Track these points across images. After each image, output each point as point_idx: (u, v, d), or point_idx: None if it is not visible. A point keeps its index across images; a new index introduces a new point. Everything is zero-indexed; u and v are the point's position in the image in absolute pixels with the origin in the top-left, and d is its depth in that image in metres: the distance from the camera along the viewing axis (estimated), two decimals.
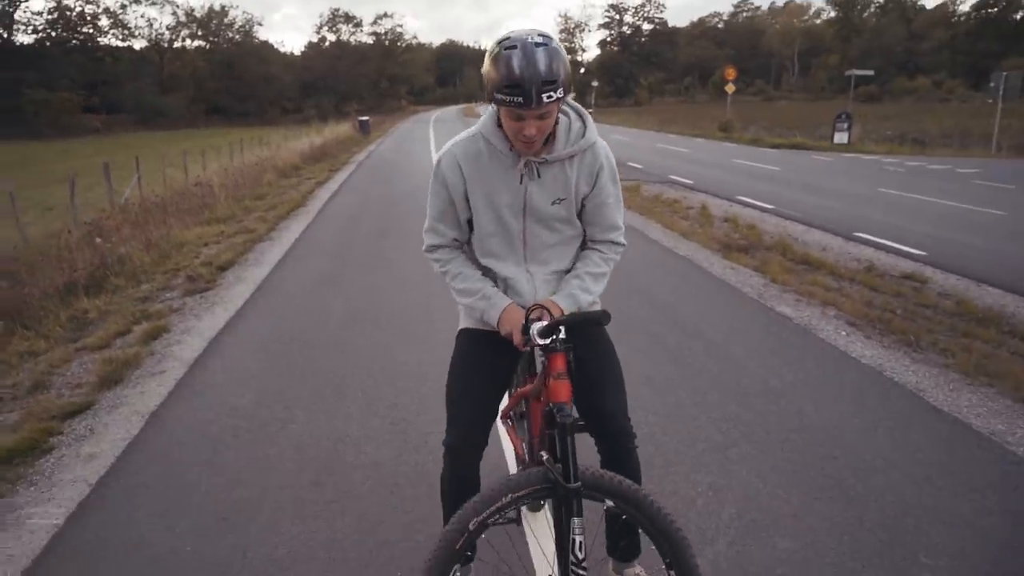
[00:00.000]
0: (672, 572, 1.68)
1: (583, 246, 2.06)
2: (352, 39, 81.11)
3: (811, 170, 17.20)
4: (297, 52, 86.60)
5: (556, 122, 1.81)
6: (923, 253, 7.42)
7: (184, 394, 3.89)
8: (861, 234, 8.50)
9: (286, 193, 12.88)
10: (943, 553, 2.41)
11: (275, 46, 78.90)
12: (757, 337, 4.68)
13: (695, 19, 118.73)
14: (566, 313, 1.89)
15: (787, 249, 7.47)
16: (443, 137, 29.66)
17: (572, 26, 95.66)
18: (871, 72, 35.91)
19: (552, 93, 1.62)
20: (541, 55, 1.60)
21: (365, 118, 34.11)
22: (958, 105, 51.54)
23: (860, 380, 3.95)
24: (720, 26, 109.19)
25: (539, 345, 1.71)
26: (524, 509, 2.60)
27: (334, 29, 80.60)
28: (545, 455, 1.72)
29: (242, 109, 62.67)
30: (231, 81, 63.90)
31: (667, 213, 10.02)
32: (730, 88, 33.36)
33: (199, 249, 8.04)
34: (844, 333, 4.74)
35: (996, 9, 69.36)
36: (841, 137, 24.26)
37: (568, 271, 2.01)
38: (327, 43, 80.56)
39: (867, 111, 40.86)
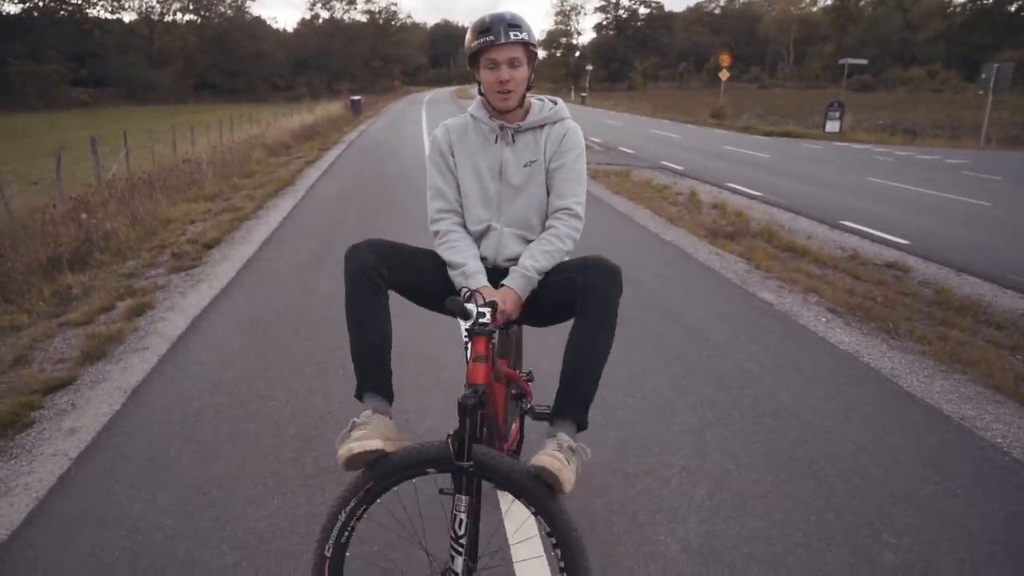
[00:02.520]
0: (557, 551, 1.67)
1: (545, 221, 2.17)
2: (346, 17, 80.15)
3: (801, 158, 17.25)
4: (290, 29, 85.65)
5: (525, 97, 2.09)
6: (907, 242, 7.50)
7: (167, 370, 3.90)
8: (847, 222, 8.57)
9: (275, 171, 12.80)
10: (905, 533, 2.47)
11: (267, 22, 78.05)
12: (738, 323, 4.73)
13: (692, 4, 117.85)
14: (518, 291, 1.97)
15: (773, 236, 7.53)
16: (435, 118, 29.49)
17: (568, 8, 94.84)
18: (864, 61, 36.03)
19: (517, 33, 1.96)
20: (506, 11, 1.99)
21: (357, 97, 33.87)
22: (951, 96, 51.71)
23: (836, 366, 4.02)
24: (717, 12, 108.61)
25: (464, 327, 1.76)
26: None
27: (328, 6, 79.56)
28: (450, 432, 1.73)
29: (232, 85, 62.00)
30: (222, 57, 63.10)
31: (656, 199, 10.05)
32: (724, 75, 33.33)
33: (186, 226, 8.01)
34: (824, 320, 4.81)
35: (991, 1, 69.29)
36: (833, 126, 24.34)
37: (529, 241, 2.13)
38: (320, 20, 79.60)
39: (860, 100, 40.93)
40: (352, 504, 1.72)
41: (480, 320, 1.73)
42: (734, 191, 11.17)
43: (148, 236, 7.39)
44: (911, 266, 6.51)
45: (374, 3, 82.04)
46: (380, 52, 78.24)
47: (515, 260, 2.10)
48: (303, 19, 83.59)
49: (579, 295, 1.88)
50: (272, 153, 15.53)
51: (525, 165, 2.12)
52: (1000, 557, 2.36)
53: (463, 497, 1.69)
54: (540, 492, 1.67)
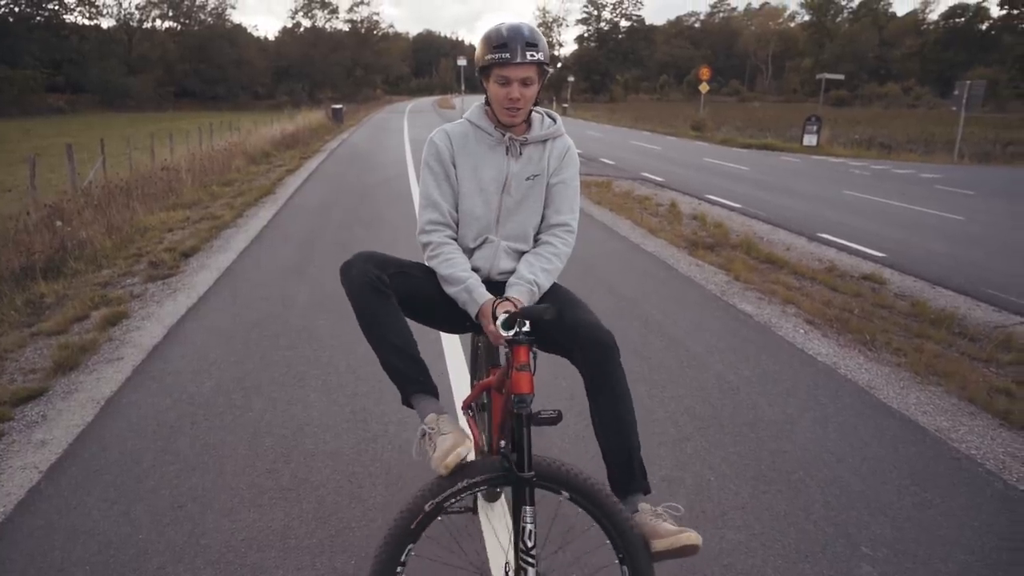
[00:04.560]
0: (625, 568, 1.70)
1: (538, 236, 2.18)
2: (327, 26, 79.98)
3: (779, 171, 17.47)
4: (271, 37, 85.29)
5: (531, 112, 2.08)
6: (883, 255, 7.60)
7: (141, 381, 3.84)
8: (825, 235, 8.68)
9: (255, 180, 12.71)
10: (883, 544, 2.49)
11: (248, 30, 77.59)
12: (717, 333, 4.76)
13: (672, 17, 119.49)
14: (525, 304, 1.96)
15: (752, 248, 7.59)
16: (418, 127, 29.52)
17: (550, 20, 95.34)
18: (841, 76, 36.64)
19: (534, 53, 1.91)
20: (524, 25, 1.94)
21: (339, 106, 33.75)
22: (925, 112, 52.78)
23: (814, 377, 4.05)
24: (697, 26, 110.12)
25: (503, 337, 1.74)
26: (481, 499, 2.64)
27: (309, 15, 79.35)
28: (504, 444, 1.75)
29: (212, 93, 61.56)
30: (202, 64, 62.64)
31: (637, 209, 10.11)
32: (704, 88, 33.70)
33: (163, 235, 7.92)
34: (802, 331, 4.85)
35: (963, 20, 70.95)
36: (810, 139, 24.66)
37: (523, 253, 2.15)
38: (302, 29, 79.34)
39: (837, 115, 41.60)
40: (437, 500, 1.70)
41: (523, 329, 1.72)
42: (714, 203, 11.27)
43: (124, 244, 7.29)
44: (887, 278, 6.60)
45: (356, 12, 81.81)
46: (362, 61, 78.19)
47: (508, 273, 2.10)
48: (284, 27, 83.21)
49: (583, 374, 1.90)
50: (252, 161, 15.42)
51: (528, 179, 2.10)
52: (976, 568, 2.39)
53: (528, 508, 1.67)
54: (605, 499, 1.70)
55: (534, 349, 1.78)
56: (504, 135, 2.08)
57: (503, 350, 2.00)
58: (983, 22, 70.88)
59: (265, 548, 2.43)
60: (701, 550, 2.40)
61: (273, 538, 2.48)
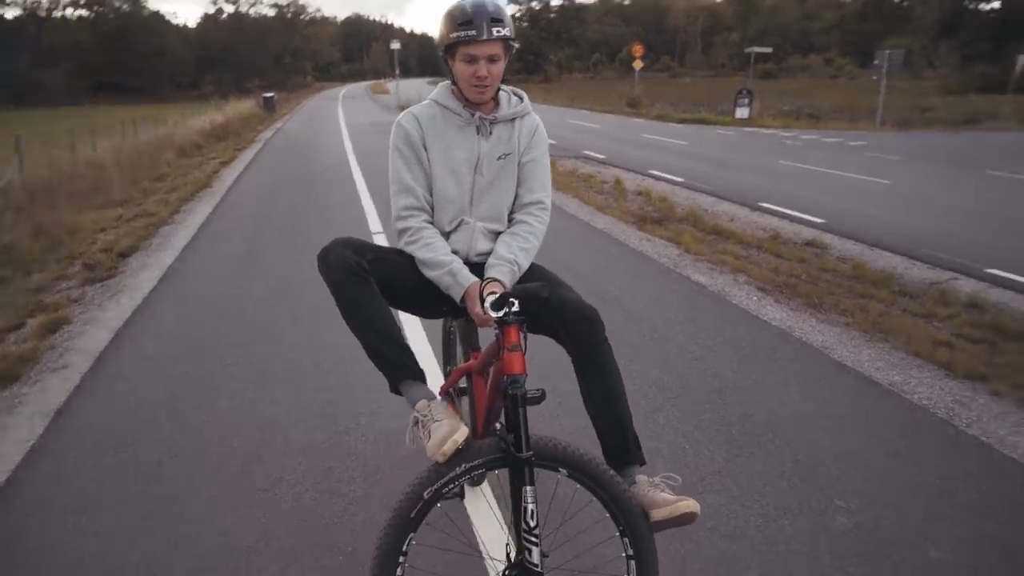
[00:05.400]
0: (626, 539, 1.72)
1: (512, 215, 2.16)
2: (252, 11, 77.13)
3: (716, 144, 17.86)
4: (192, 24, 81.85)
5: (498, 90, 2.05)
6: (822, 221, 7.87)
7: (92, 388, 3.66)
8: (766, 204, 8.92)
9: (189, 173, 12.23)
10: (855, 495, 2.60)
11: (167, 17, 74.21)
12: (675, 305, 4.85)
13: None
14: (507, 284, 1.94)
15: (698, 220, 7.75)
16: (353, 115, 28.94)
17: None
18: (769, 49, 37.50)
19: (500, 28, 1.87)
20: (488, 1, 1.89)
21: (270, 95, 32.73)
22: (847, 81, 54.67)
23: (772, 341, 4.18)
24: (627, 3, 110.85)
25: (494, 318, 1.72)
26: (465, 485, 2.62)
27: (232, 0, 76.40)
28: (499, 426, 1.74)
29: (133, 85, 58.60)
30: (119, 55, 59.48)
31: (583, 188, 10.18)
32: (638, 64, 34.00)
33: (95, 235, 7.54)
34: (755, 298, 4.99)
35: None
36: (742, 112, 25.23)
37: (498, 233, 2.12)
38: (224, 15, 76.31)
39: (765, 87, 42.62)
40: (435, 487, 1.67)
41: (512, 310, 1.70)
42: (657, 178, 11.44)
43: (54, 247, 6.91)
44: (828, 243, 6.84)
45: None
46: (290, 47, 75.87)
47: (486, 255, 2.08)
48: (206, 14, 79.77)
49: (571, 351, 1.90)
50: (183, 155, 14.82)
51: (499, 158, 2.07)
52: (943, 509, 2.52)
53: (528, 488, 1.66)
54: (603, 473, 1.70)
55: (523, 329, 1.77)
56: (474, 115, 2.03)
57: (483, 333, 1.98)
58: None
59: (247, 552, 2.36)
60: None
61: (254, 540, 2.41)
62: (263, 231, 7.42)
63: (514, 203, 2.16)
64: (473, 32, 1.86)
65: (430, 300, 2.05)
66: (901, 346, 4.12)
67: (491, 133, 2.06)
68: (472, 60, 1.90)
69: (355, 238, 1.96)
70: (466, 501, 2.53)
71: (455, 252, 2.06)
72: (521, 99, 2.15)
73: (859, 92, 36.00)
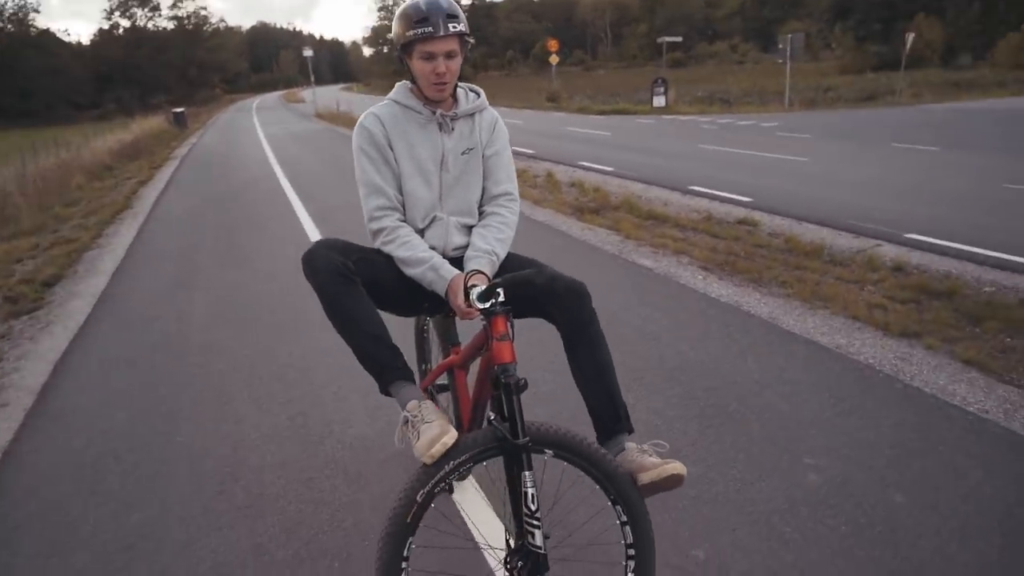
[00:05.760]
0: (618, 507, 1.78)
1: (482, 208, 2.21)
2: (150, 24, 73.83)
3: (639, 133, 18.31)
4: (85, 41, 77.60)
5: (456, 86, 2.10)
6: (750, 200, 8.21)
7: (40, 424, 3.48)
8: (695, 187, 9.24)
9: (105, 196, 11.65)
10: (820, 453, 2.76)
11: (58, 35, 70.02)
12: (626, 289, 4.98)
13: None
14: (489, 275, 1.98)
15: (634, 207, 7.95)
16: (270, 125, 28.18)
17: (391, 3, 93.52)
18: (679, 39, 38.59)
19: (455, 24, 1.91)
20: None
21: (180, 110, 31.46)
22: (752, 66, 56.86)
23: (723, 316, 4.35)
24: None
25: (480, 310, 1.75)
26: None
27: (127, 14, 72.76)
28: (492, 415, 1.77)
29: (25, 107, 55.13)
30: (7, 76, 55.87)
31: (517, 182, 10.23)
32: (554, 59, 34.40)
33: (11, 266, 7.10)
34: (701, 277, 5.18)
35: None
36: (659, 101, 25.97)
37: (471, 227, 2.16)
38: (121, 30, 72.75)
39: (677, 75, 43.89)
40: (427, 489, 1.68)
41: (498, 300, 1.73)
42: (588, 169, 11.65)
43: None
44: (759, 220, 7.15)
45: (180, 8, 76.08)
46: (195, 60, 72.92)
47: (462, 248, 2.11)
48: (101, 30, 75.48)
49: (562, 327, 1.96)
50: (95, 177, 14.10)
51: (463, 153, 2.11)
52: (901, 459, 2.70)
53: (527, 473, 1.68)
54: (590, 449, 1.75)
55: (511, 318, 1.80)
56: (435, 112, 2.06)
57: (461, 328, 1.99)
58: None
59: (238, 570, 2.31)
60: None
61: (244, 558, 2.36)
62: (197, 249, 7.17)
63: (482, 196, 2.20)
64: (430, 29, 1.88)
65: (412, 299, 2.07)
66: (840, 312, 4.36)
67: (453, 129, 2.10)
68: (430, 57, 1.93)
69: (339, 239, 1.96)
70: (454, 496, 2.56)
71: (432, 248, 2.08)
72: (478, 95, 2.19)
73: (765, 76, 37.56)
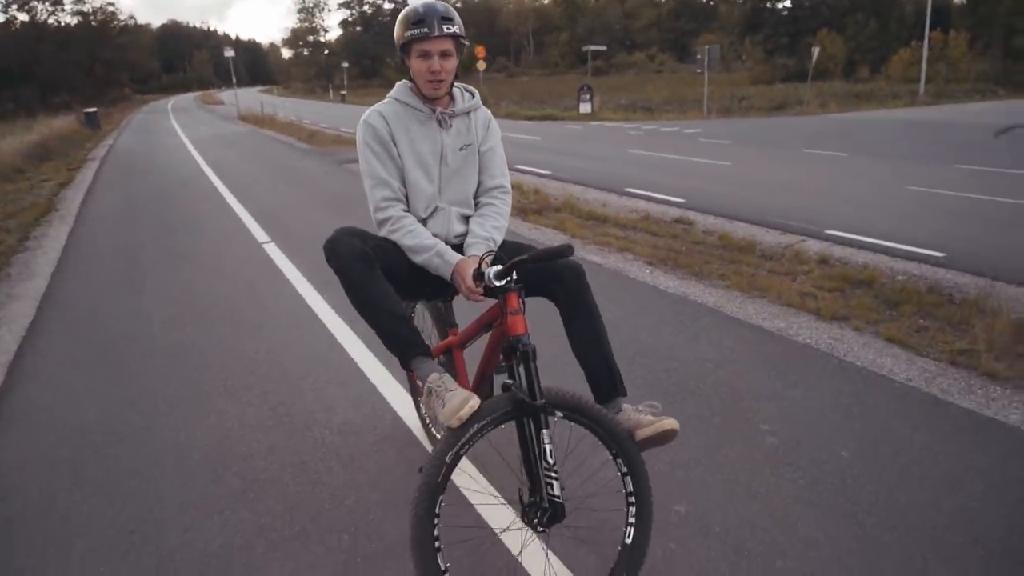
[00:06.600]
0: (619, 460, 2.00)
1: (478, 199, 2.39)
2: (52, 19, 69.58)
3: (569, 138, 18.80)
4: None
5: (453, 85, 2.25)
6: (682, 200, 8.68)
7: (4, 426, 3.40)
8: (631, 189, 9.66)
9: (22, 198, 11.05)
10: (775, 420, 3.07)
11: None
12: None
13: None
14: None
15: (575, 208, 8.27)
16: (192, 128, 27.23)
17: (311, 5, 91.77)
18: (603, 47, 39.63)
19: (450, 26, 2.07)
20: (438, 3, 2.10)
21: (93, 110, 29.90)
22: (670, 75, 58.97)
23: (673, 306, 4.67)
24: (459, 5, 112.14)
25: (496, 287, 1.93)
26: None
27: (26, 7, 68.33)
28: (511, 381, 1.95)
29: None
30: None
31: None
32: (481, 65, 34.61)
33: None
34: (648, 271, 5.51)
35: None
36: (585, 107, 26.68)
37: (468, 217, 2.35)
38: (18, 24, 68.25)
39: (599, 83, 45.01)
40: (455, 450, 1.84)
41: (513, 278, 1.91)
42: (524, 171, 11.93)
43: None
44: (693, 219, 7.59)
45: (85, 3, 72.01)
46: (102, 58, 69.26)
47: (462, 236, 2.29)
48: None
49: (561, 303, 2.19)
50: (6, 179, 13.31)
51: (461, 148, 2.29)
52: (843, 421, 3.05)
53: (545, 431, 1.86)
54: (593, 409, 1.95)
55: (523, 294, 2.00)
56: (434, 110, 2.23)
57: (459, 310, 2.15)
58: None
59: (248, 548, 2.39)
60: (652, 461, 2.81)
61: (251, 537, 2.45)
62: (139, 250, 6.98)
63: (478, 189, 2.40)
64: (425, 30, 2.06)
65: (419, 284, 2.24)
66: (776, 300, 4.76)
67: (451, 126, 2.27)
68: (426, 56, 2.10)
69: (356, 227, 2.10)
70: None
71: (435, 236, 2.25)
72: (473, 95, 2.36)
73: (682, 85, 39.16)
